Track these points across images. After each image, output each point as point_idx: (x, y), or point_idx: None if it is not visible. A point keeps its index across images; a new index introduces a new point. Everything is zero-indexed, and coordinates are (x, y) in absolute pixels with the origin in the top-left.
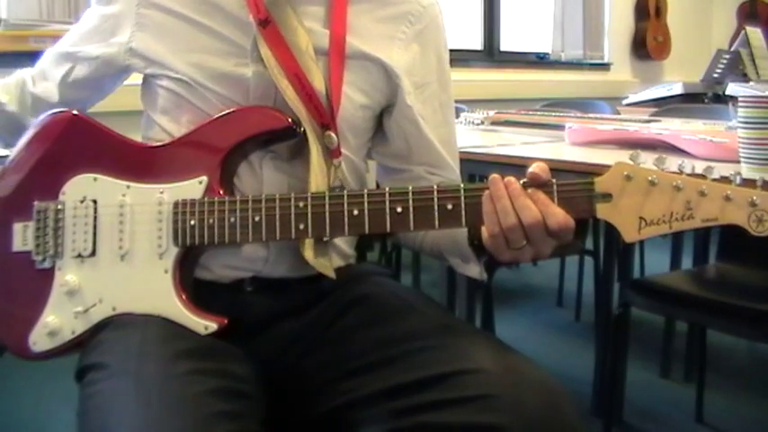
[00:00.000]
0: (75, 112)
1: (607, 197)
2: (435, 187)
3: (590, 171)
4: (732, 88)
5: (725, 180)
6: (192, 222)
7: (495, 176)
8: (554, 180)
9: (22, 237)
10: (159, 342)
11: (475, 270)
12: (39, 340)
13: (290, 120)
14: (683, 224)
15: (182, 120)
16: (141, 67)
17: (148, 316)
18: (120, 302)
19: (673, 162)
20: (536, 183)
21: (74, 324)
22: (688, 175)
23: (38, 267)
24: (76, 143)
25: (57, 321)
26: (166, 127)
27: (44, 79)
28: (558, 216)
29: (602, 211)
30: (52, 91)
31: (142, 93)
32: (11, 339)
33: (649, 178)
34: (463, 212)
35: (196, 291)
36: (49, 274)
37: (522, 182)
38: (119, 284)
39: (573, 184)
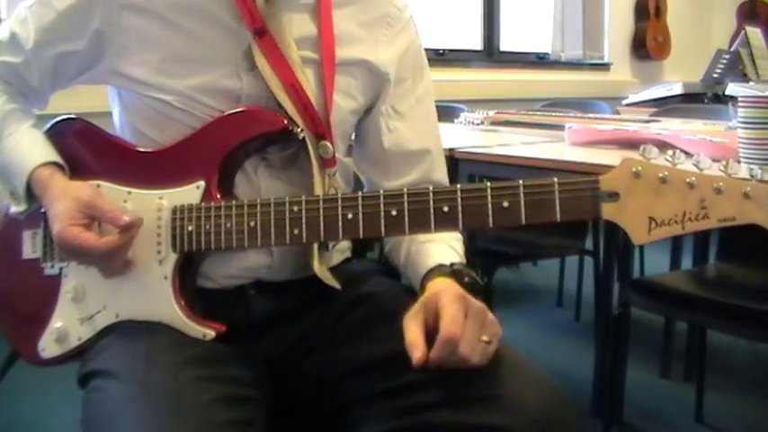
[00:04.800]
0: (82, 119)
1: (614, 196)
2: (431, 189)
3: (590, 171)
4: (732, 88)
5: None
6: (190, 228)
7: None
8: (555, 179)
9: (32, 244)
10: (166, 349)
11: None
12: (47, 346)
13: (285, 121)
14: (698, 224)
15: (169, 131)
16: (117, 84)
17: (151, 323)
18: (123, 309)
19: (687, 159)
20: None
21: (80, 330)
22: (702, 170)
23: (46, 274)
24: (82, 150)
25: (63, 328)
26: (154, 136)
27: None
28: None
29: (609, 211)
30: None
31: (119, 99)
32: (22, 346)
33: (660, 175)
34: (460, 215)
35: (199, 297)
36: (55, 281)
37: None
38: (121, 291)
39: (576, 182)
